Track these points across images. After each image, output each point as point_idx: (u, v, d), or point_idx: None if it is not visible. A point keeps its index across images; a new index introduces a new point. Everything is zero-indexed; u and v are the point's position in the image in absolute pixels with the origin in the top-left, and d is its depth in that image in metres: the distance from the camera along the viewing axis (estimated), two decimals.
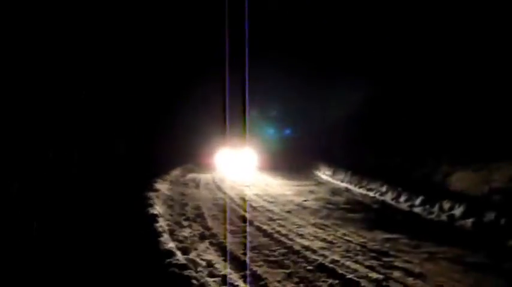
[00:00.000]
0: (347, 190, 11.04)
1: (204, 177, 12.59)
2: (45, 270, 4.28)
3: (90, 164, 9.40)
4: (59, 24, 10.03)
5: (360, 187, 10.91)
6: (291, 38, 18.08)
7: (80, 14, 10.88)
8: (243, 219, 7.29)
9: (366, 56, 15.28)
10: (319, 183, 12.16)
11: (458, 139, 10.39)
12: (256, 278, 4.45)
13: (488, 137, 9.43)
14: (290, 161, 15.04)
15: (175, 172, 12.81)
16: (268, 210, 8.12)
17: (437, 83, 12.28)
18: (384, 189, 9.81)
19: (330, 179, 12.95)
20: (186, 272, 4.28)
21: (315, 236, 6.18)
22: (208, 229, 6.59)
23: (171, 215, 7.38)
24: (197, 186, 10.97)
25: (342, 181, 12.15)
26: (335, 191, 10.62)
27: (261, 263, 4.99)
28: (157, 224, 6.20)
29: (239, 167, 13.70)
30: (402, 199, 8.82)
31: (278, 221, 7.13)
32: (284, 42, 18.13)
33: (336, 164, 13.47)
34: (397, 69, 13.90)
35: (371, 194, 10.10)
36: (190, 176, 12.76)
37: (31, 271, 4.20)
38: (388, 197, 9.32)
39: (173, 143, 14.91)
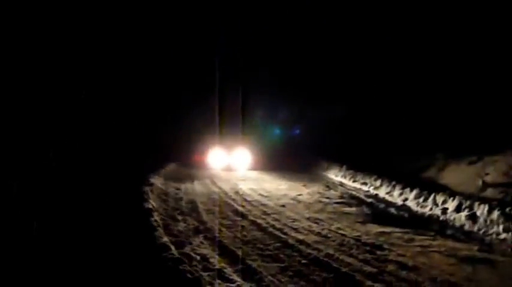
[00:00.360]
0: (341, 184, 11.08)
1: (199, 173, 12.56)
2: (44, 266, 4.25)
3: (90, 160, 9.37)
4: (60, 25, 10.01)
5: (354, 181, 10.95)
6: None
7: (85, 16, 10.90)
8: (238, 213, 7.29)
9: (366, 57, 15.29)
10: (314, 178, 12.17)
11: (452, 134, 10.46)
12: (250, 272, 4.45)
13: (482, 131, 9.49)
14: (287, 158, 14.99)
15: (171, 168, 12.74)
16: (263, 204, 8.11)
17: (432, 79, 12.32)
18: (377, 183, 9.85)
19: (324, 173, 12.97)
20: (181, 267, 4.27)
21: (309, 230, 6.19)
22: (202, 223, 6.58)
23: (166, 210, 7.35)
24: (192, 181, 10.93)
25: (337, 176, 12.19)
26: (329, 186, 10.63)
27: (256, 257, 4.98)
28: (152, 219, 6.17)
29: (236, 165, 13.58)
30: (396, 192, 8.85)
31: (272, 215, 7.13)
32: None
33: (331, 159, 13.49)
34: (394, 68, 13.93)
35: (365, 188, 10.14)
36: (186, 172, 12.71)
37: (31, 270, 4.17)
38: (382, 191, 9.36)
39: (169, 140, 14.82)
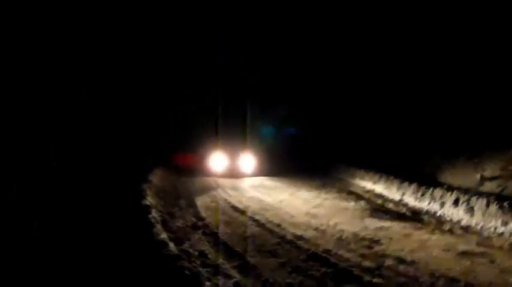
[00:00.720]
0: (339, 180, 11.08)
1: (198, 171, 12.52)
2: (44, 263, 4.25)
3: (90, 160, 9.35)
4: (59, 25, 9.99)
5: (353, 177, 10.95)
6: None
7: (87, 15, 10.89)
8: (236, 209, 7.29)
9: (365, 56, 15.28)
10: (312, 175, 12.13)
11: (451, 130, 10.45)
12: (249, 268, 4.45)
13: (481, 126, 9.49)
14: (287, 157, 14.88)
15: (169, 167, 12.68)
16: (261, 200, 8.12)
17: (431, 78, 12.31)
18: (375, 178, 9.85)
19: (322, 171, 12.95)
20: (179, 263, 4.26)
21: (307, 226, 6.20)
22: (201, 219, 6.58)
23: (164, 206, 7.35)
24: (191, 179, 10.93)
25: (334, 172, 12.18)
26: (327, 182, 10.64)
27: (254, 253, 4.99)
28: (150, 215, 6.16)
29: (239, 169, 13.19)
30: (394, 188, 8.85)
31: (271, 211, 7.14)
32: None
33: (330, 157, 13.48)
34: (393, 66, 13.92)
35: (363, 183, 10.14)
36: (185, 171, 12.65)
37: (31, 269, 4.16)
38: (380, 187, 9.36)
39: (169, 142, 14.75)
